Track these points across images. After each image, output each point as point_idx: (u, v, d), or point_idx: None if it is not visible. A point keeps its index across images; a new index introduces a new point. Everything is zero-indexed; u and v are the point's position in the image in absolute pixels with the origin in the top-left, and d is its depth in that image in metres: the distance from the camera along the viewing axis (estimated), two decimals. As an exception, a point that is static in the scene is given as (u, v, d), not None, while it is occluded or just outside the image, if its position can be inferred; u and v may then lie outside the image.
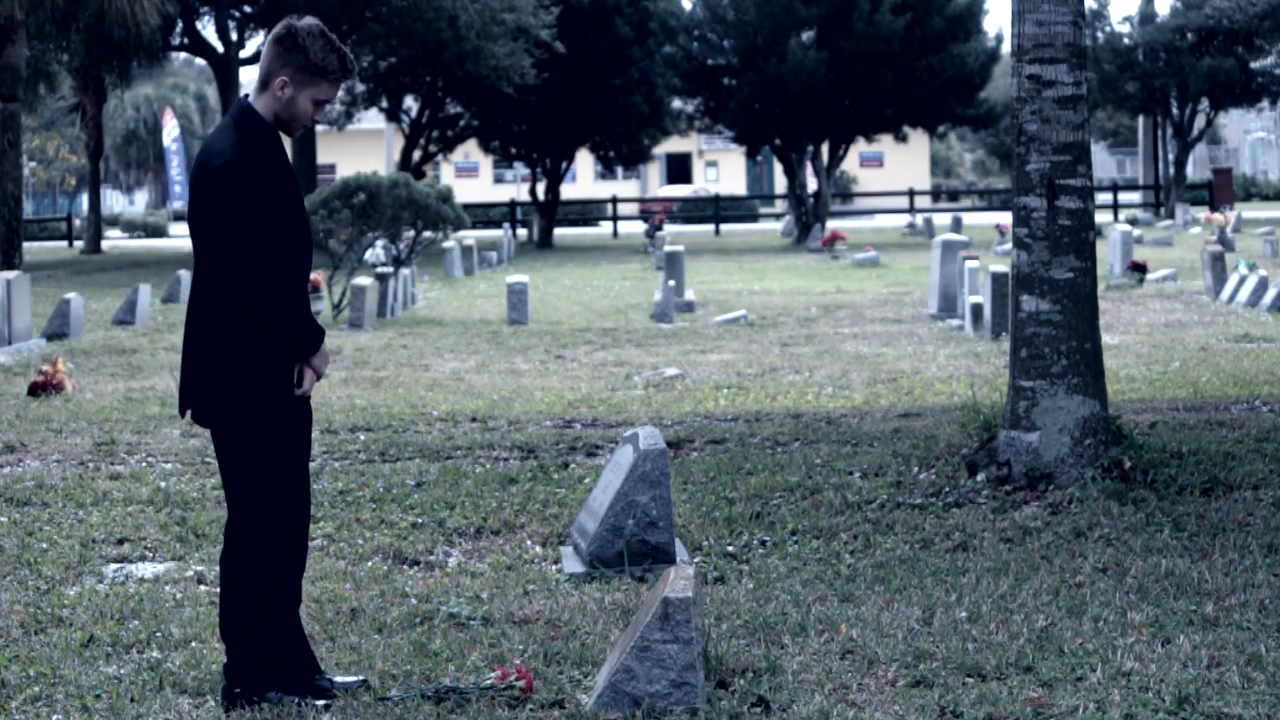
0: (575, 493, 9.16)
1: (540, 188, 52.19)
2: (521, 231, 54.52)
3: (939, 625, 6.42)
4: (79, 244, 51.98)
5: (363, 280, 22.73)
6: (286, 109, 5.58)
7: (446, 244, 32.19)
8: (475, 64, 42.18)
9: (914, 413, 12.08)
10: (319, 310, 23.51)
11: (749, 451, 10.33)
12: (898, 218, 58.60)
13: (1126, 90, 58.20)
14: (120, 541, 8.36)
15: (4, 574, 7.67)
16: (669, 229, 49.93)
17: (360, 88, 48.14)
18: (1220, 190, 55.59)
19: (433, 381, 15.93)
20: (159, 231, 61.96)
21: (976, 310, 20.05)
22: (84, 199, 56.80)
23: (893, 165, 77.03)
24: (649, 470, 7.60)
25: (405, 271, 26.34)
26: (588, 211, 64.86)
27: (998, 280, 19.13)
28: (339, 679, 5.80)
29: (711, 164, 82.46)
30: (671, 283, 24.85)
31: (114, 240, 55.93)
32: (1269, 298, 21.87)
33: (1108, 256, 28.93)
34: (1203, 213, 49.94)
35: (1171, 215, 54.39)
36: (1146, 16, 59.71)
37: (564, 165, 52.85)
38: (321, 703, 5.61)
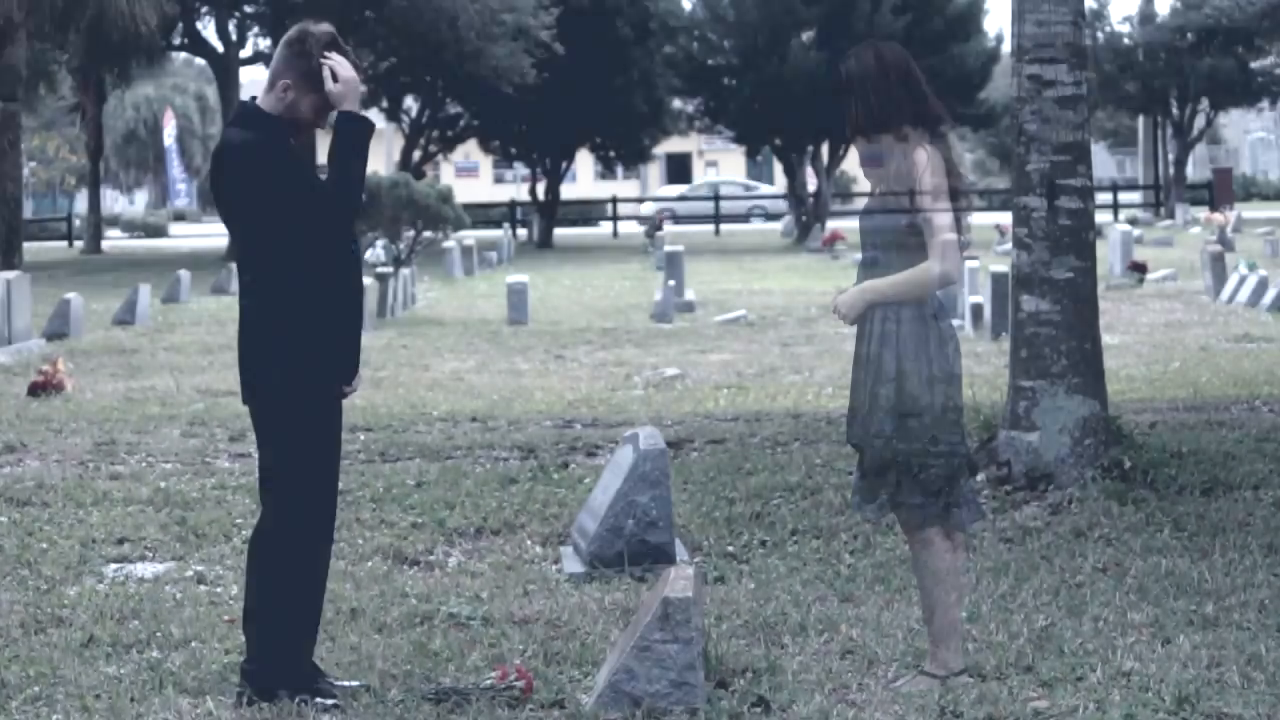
0: (575, 493, 9.16)
1: (540, 188, 52.17)
2: (521, 231, 54.50)
3: (939, 625, 6.42)
4: (79, 244, 51.95)
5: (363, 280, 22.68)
6: (288, 112, 5.63)
7: (446, 244, 32.18)
8: (475, 64, 42.17)
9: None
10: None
11: (749, 451, 10.33)
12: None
13: (1126, 90, 58.18)
14: (120, 541, 8.36)
15: (4, 574, 7.67)
16: (669, 229, 49.90)
17: (360, 88, 48.08)
18: (1220, 190, 55.55)
19: (433, 381, 15.93)
20: (159, 231, 61.92)
21: (976, 310, 20.06)
22: (84, 199, 56.75)
23: (893, 165, 76.79)
24: (649, 470, 7.60)
25: (405, 271, 26.34)
26: (588, 212, 64.84)
27: (998, 280, 19.13)
28: (340, 683, 5.82)
29: (711, 164, 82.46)
30: (671, 283, 24.85)
31: (114, 240, 55.91)
32: (1269, 298, 21.87)
33: (1108, 256, 28.90)
34: (1203, 213, 49.92)
35: (1171, 215, 54.38)
36: (1146, 16, 59.70)
37: (564, 165, 52.84)
38: (329, 702, 5.63)
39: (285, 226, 5.49)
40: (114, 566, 7.89)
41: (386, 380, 15.92)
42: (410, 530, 8.49)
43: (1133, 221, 47.74)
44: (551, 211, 51.87)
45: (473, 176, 77.37)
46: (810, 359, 17.61)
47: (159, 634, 6.58)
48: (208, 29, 45.86)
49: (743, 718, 5.49)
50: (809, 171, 50.85)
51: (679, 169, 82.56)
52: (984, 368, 15.72)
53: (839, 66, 5.76)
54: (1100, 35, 57.51)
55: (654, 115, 50.05)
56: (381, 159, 60.87)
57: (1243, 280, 23.31)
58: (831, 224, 46.11)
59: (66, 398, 14.60)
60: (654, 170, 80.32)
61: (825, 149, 50.45)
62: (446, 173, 71.78)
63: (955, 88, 47.03)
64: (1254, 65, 56.77)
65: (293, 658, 5.69)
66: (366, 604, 6.99)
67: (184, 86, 78.88)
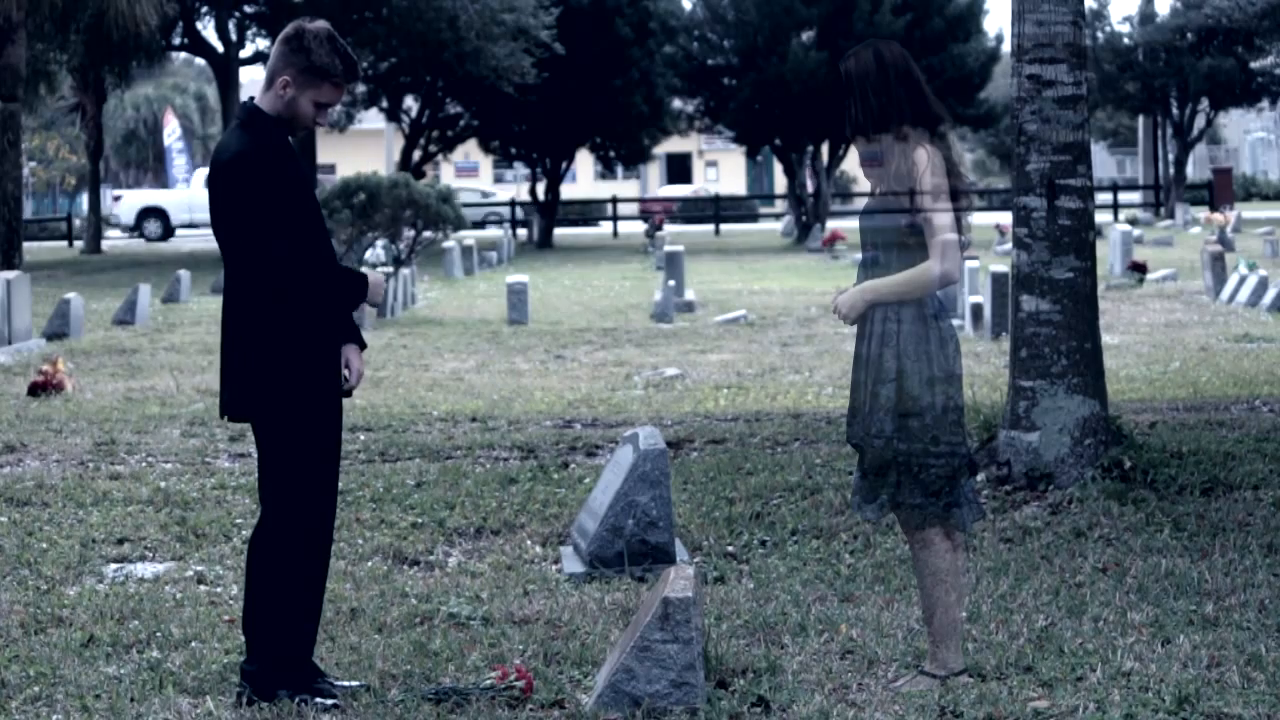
0: (575, 493, 9.16)
1: (540, 188, 52.17)
2: (521, 231, 54.49)
3: (939, 625, 6.42)
4: (79, 244, 51.94)
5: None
6: (288, 109, 5.65)
7: (446, 244, 32.18)
8: (475, 64, 42.15)
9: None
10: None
11: (749, 451, 10.33)
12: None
13: (1126, 90, 58.18)
14: (120, 541, 8.36)
15: (4, 574, 7.67)
16: (669, 229, 49.91)
17: (360, 88, 48.12)
18: (1220, 190, 55.55)
19: (433, 381, 15.93)
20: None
21: (976, 310, 20.06)
22: (84, 199, 56.75)
23: (893, 165, 76.78)
24: (649, 470, 7.60)
25: (405, 271, 26.34)
26: (588, 211, 64.83)
27: (998, 280, 19.13)
28: (340, 683, 5.82)
29: (711, 164, 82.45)
30: (671, 283, 24.85)
31: (114, 240, 55.89)
32: (1269, 298, 21.87)
33: (1108, 256, 28.92)
34: (1203, 213, 49.92)
35: (1171, 215, 54.37)
36: (1146, 16, 59.70)
37: (564, 165, 52.83)
38: (329, 702, 5.63)
39: (278, 234, 5.49)
40: (114, 566, 7.89)
41: (386, 380, 15.92)
42: (410, 530, 8.50)
43: (1133, 221, 47.76)
44: (551, 211, 51.86)
45: (473, 176, 77.34)
46: (810, 359, 17.61)
47: (159, 634, 6.58)
48: (208, 29, 45.84)
49: (743, 718, 5.49)
50: (809, 171, 50.84)
51: (679, 169, 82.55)
52: (984, 368, 15.73)
53: (840, 66, 5.77)
54: (1100, 35, 57.51)
55: (654, 115, 50.03)
56: (381, 159, 60.92)
57: (1243, 280, 23.31)
58: (831, 224, 46.12)
59: (66, 398, 14.60)
60: (654, 170, 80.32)
61: (825, 149, 50.46)
62: (446, 173, 71.78)
63: (955, 88, 47.05)
64: (1254, 65, 56.75)
65: (293, 658, 5.70)
66: (366, 604, 6.99)
67: (184, 86, 78.87)
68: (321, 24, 5.68)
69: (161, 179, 71.30)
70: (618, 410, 13.31)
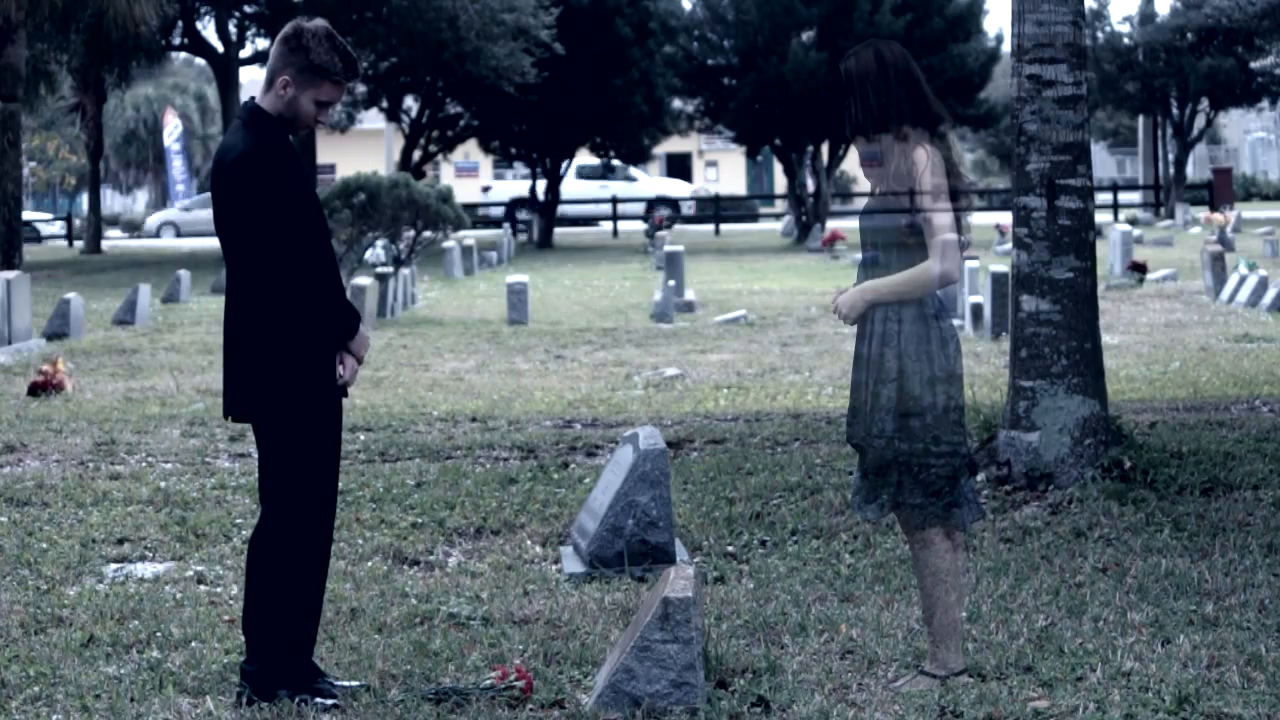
0: (575, 493, 9.16)
1: (540, 187, 52.16)
2: (522, 235, 54.48)
3: (939, 625, 6.42)
4: (79, 244, 51.94)
5: (362, 280, 22.72)
6: (289, 109, 5.65)
7: (446, 244, 32.18)
8: (475, 64, 42.14)
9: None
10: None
11: (749, 451, 10.33)
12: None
13: (1126, 90, 58.16)
14: (120, 541, 8.36)
15: (4, 574, 7.67)
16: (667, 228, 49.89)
17: (360, 88, 48.13)
18: (1220, 190, 55.54)
19: (433, 381, 15.93)
20: (159, 231, 61.84)
21: (976, 310, 20.06)
22: (84, 199, 56.76)
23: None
24: (649, 470, 7.60)
25: (405, 271, 26.34)
26: (587, 211, 64.77)
27: (998, 280, 19.13)
28: (340, 683, 5.82)
29: (711, 164, 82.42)
30: (671, 283, 24.85)
31: (114, 240, 55.90)
32: (1269, 298, 21.87)
33: (1108, 256, 28.91)
34: (1203, 213, 49.90)
35: (1171, 215, 54.36)
36: (1146, 16, 59.68)
37: (564, 165, 52.83)
38: (329, 702, 5.63)
39: (281, 236, 5.50)
40: (114, 566, 7.89)
41: (386, 380, 15.92)
42: (410, 530, 8.50)
43: (1133, 221, 47.74)
44: (551, 211, 51.86)
45: (473, 176, 77.33)
46: (810, 359, 17.61)
47: (159, 634, 6.58)
48: (208, 29, 45.82)
49: (743, 718, 5.49)
50: (809, 171, 50.84)
51: (679, 169, 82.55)
52: (984, 368, 15.73)
53: (840, 65, 5.77)
54: (1100, 35, 57.50)
55: (654, 115, 50.00)
56: (381, 159, 60.91)
57: (1243, 280, 23.30)
58: (831, 224, 46.11)
59: (66, 398, 14.60)
60: (654, 170, 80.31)
61: (825, 149, 50.45)
62: (446, 173, 71.76)
63: (955, 88, 47.05)
64: (1254, 65, 56.73)
65: (293, 658, 5.70)
66: (366, 604, 6.99)
67: (184, 86, 78.82)
68: (320, 23, 5.68)
69: (162, 179, 71.35)
70: (618, 410, 13.31)
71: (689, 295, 25.69)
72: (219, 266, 30.75)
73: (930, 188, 5.60)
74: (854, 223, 6.65)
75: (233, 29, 44.87)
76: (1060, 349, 8.69)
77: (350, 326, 5.69)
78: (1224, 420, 11.10)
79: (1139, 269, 27.66)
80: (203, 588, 7.44)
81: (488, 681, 5.71)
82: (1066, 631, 6.33)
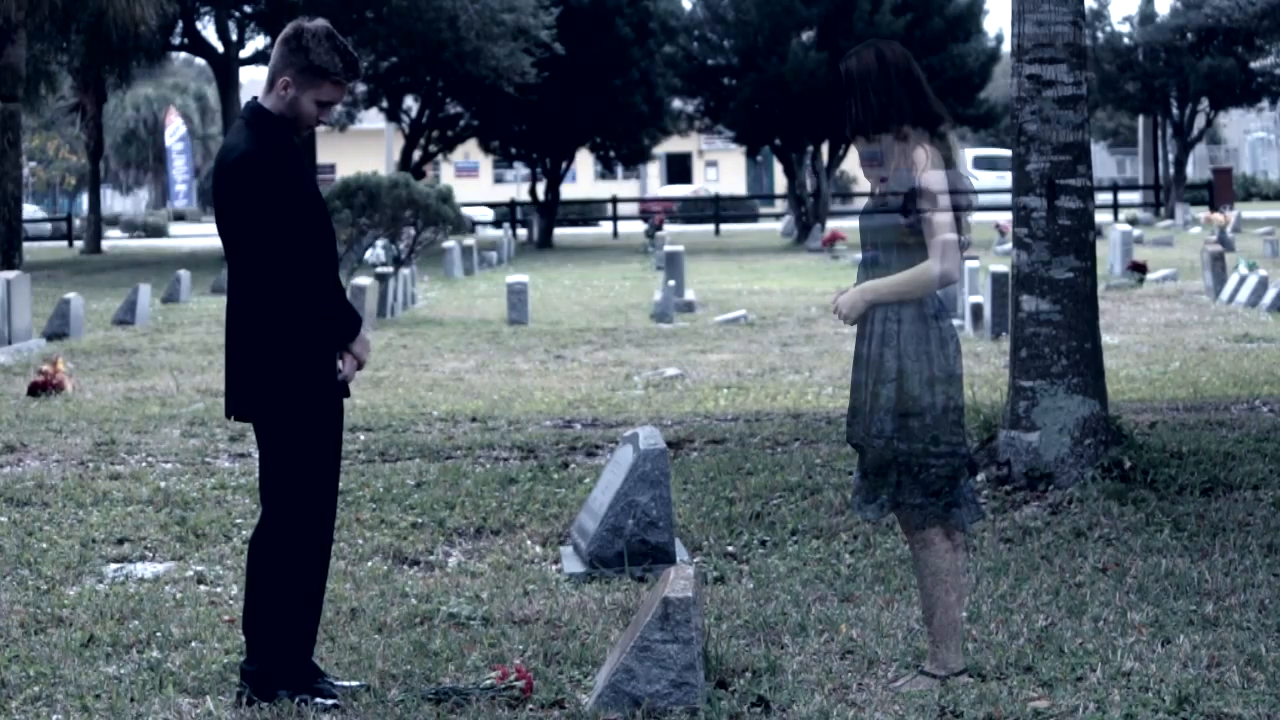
0: (575, 493, 9.16)
1: (540, 187, 52.17)
2: (521, 231, 54.49)
3: (939, 625, 6.42)
4: (79, 244, 51.93)
5: (362, 280, 22.72)
6: (290, 109, 5.66)
7: (446, 244, 32.18)
8: (475, 64, 42.15)
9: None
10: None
11: (749, 451, 10.33)
12: (898, 218, 58.16)
13: (1126, 90, 58.18)
14: (120, 541, 8.36)
15: (4, 574, 7.67)
16: (669, 229, 49.91)
17: (360, 88, 48.13)
18: (1220, 190, 55.55)
19: (433, 381, 15.93)
20: (159, 231, 61.90)
21: (976, 310, 20.06)
22: (84, 199, 56.75)
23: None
24: (649, 470, 7.60)
25: (405, 271, 26.34)
26: (587, 211, 64.84)
27: (998, 280, 19.13)
28: (340, 683, 5.82)
29: (711, 164, 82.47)
30: (671, 283, 24.85)
31: (114, 240, 55.90)
32: (1269, 298, 21.87)
33: (1108, 256, 28.92)
34: (1203, 213, 49.91)
35: (1171, 215, 54.37)
36: (1146, 16, 59.69)
37: (564, 165, 52.83)
38: (329, 702, 5.63)
39: (282, 236, 5.50)
40: (114, 566, 7.88)
41: (386, 380, 15.92)
42: (410, 530, 8.49)
43: (1133, 221, 47.75)
44: (551, 211, 51.85)
45: (473, 176, 77.37)
46: (810, 359, 17.61)
47: (159, 634, 6.58)
48: (208, 29, 45.83)
49: (743, 718, 5.49)
50: (809, 171, 50.84)
51: (679, 169, 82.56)
52: (984, 368, 15.72)
53: (840, 65, 5.77)
54: (1100, 35, 57.51)
55: (654, 115, 50.04)
56: (381, 159, 60.91)
57: (1243, 280, 23.30)
58: (831, 224, 46.11)
59: (66, 398, 14.60)
60: (654, 170, 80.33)
61: (825, 149, 50.45)
62: (446, 173, 71.79)
63: (955, 88, 47.06)
64: (1254, 65, 56.75)
65: (293, 658, 5.70)
66: (366, 604, 6.99)
67: (184, 86, 78.86)
68: (320, 23, 5.69)
69: (162, 179, 71.35)
70: (618, 410, 13.31)
71: (689, 295, 25.69)
72: (219, 266, 30.74)
73: (930, 188, 5.60)
74: (854, 223, 6.65)
75: (233, 29, 44.88)
76: (1060, 349, 8.69)
77: (351, 328, 5.69)
78: (1224, 420, 11.10)
79: (1139, 269, 27.66)
80: (203, 588, 7.44)
81: (488, 681, 5.71)
82: (1066, 631, 6.33)
